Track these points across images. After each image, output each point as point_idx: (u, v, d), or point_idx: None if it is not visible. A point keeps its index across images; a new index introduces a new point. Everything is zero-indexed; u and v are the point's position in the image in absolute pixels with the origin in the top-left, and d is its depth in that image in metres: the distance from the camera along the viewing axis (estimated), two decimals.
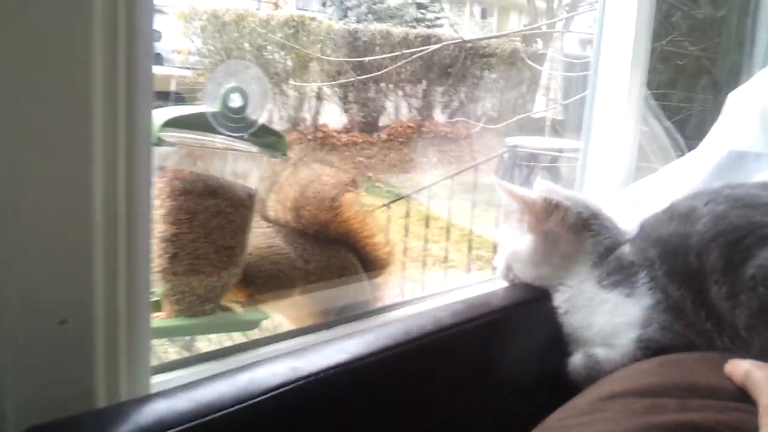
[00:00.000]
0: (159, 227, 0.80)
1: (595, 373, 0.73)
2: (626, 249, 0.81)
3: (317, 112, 5.83)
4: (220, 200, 0.82)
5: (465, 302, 0.76)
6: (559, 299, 0.83)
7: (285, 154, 0.87)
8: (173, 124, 0.77)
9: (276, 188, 1.05)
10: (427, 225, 3.73)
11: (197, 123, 0.79)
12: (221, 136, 0.81)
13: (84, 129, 0.59)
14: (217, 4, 5.19)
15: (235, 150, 0.84)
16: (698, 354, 0.65)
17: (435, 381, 0.66)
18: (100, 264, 0.61)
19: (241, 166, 0.86)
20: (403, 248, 3.78)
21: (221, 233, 0.83)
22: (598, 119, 1.28)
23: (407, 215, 3.73)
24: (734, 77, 1.80)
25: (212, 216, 0.81)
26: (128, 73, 0.62)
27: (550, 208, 0.86)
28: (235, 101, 0.79)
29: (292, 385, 0.51)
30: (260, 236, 0.99)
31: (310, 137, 5.84)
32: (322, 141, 5.87)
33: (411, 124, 6.32)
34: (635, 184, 1.22)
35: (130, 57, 0.62)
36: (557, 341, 0.78)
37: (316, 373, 0.53)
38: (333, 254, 1.05)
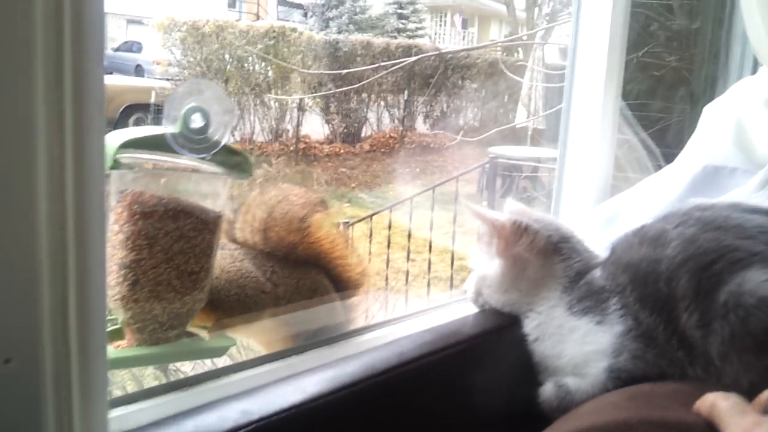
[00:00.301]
0: (118, 253, 0.77)
1: (566, 404, 0.71)
2: (597, 274, 0.79)
3: (299, 123, 5.81)
4: (182, 224, 0.78)
5: (433, 331, 0.73)
6: (529, 326, 0.81)
7: (250, 175, 0.84)
8: (131, 145, 0.74)
9: (244, 209, 1.02)
10: (409, 237, 3.72)
11: (157, 144, 0.76)
12: (184, 158, 0.79)
13: (25, 150, 0.55)
14: (197, 15, 5.16)
15: (199, 171, 0.81)
16: (670, 385, 0.63)
17: (401, 417, 0.63)
18: (47, 297, 0.58)
19: (207, 188, 0.83)
20: (386, 260, 3.76)
21: (184, 258, 0.79)
22: (574, 130, 1.27)
23: (390, 227, 3.72)
24: (710, 88, 1.80)
25: (174, 240, 0.78)
26: (76, 85, 0.58)
27: (519, 232, 0.84)
28: (197, 121, 0.76)
29: (242, 431, 0.48)
30: (228, 258, 0.96)
31: (292, 148, 5.82)
32: (304, 152, 5.85)
33: (393, 135, 6.32)
34: (612, 199, 1.21)
35: (77, 68, 0.58)
36: (529, 370, 0.76)
37: (269, 417, 0.50)
38: (302, 276, 1.02)
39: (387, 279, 3.73)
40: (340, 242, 1.06)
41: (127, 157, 0.75)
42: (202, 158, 0.79)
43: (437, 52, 5.38)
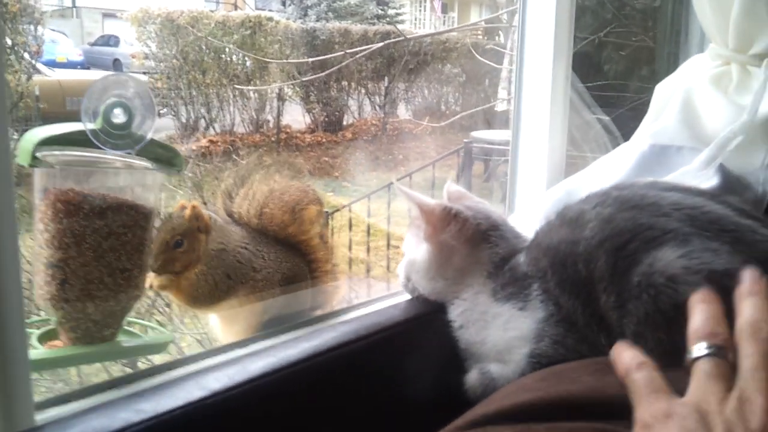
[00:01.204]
0: (45, 252, 0.76)
1: (489, 390, 0.70)
2: (521, 259, 0.78)
3: (279, 114, 5.77)
4: (110, 220, 0.77)
5: (356, 320, 0.73)
6: (454, 313, 0.80)
7: (181, 169, 0.83)
8: (50, 142, 0.73)
9: (246, 187, 1.11)
10: (388, 223, 3.71)
11: (78, 140, 0.74)
12: (110, 154, 0.77)
13: None
14: (170, 6, 5.09)
15: (128, 167, 0.80)
16: (583, 361, 0.63)
17: (315, 409, 0.62)
18: None
19: (136, 184, 0.82)
20: (366, 248, 3.75)
21: (115, 255, 0.78)
22: (526, 113, 1.26)
23: (368, 215, 3.71)
24: (672, 66, 1.80)
25: (103, 238, 0.77)
26: None
27: (448, 218, 0.82)
28: (119, 117, 0.75)
29: (132, 430, 0.48)
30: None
31: (273, 139, 5.78)
32: (286, 142, 5.82)
33: (375, 122, 6.29)
34: (564, 180, 1.21)
35: None
36: (455, 357, 0.75)
37: (161, 415, 0.49)
38: (285, 259, 1.10)
39: (368, 267, 3.73)
40: (325, 244, 1.16)
41: (47, 154, 0.74)
42: (128, 153, 0.78)
43: (403, 38, 5.33)
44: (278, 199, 1.09)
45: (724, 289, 0.56)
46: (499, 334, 0.74)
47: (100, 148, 0.75)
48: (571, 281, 0.70)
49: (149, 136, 0.77)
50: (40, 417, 0.68)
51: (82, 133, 0.74)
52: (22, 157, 0.72)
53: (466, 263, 0.81)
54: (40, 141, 0.71)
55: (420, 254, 0.84)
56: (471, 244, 0.81)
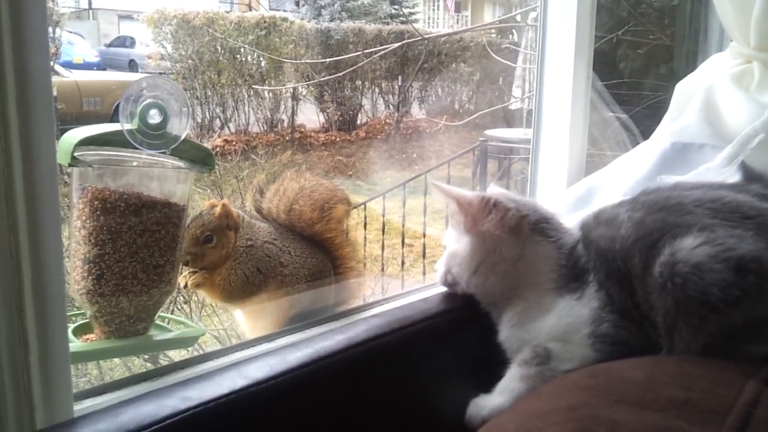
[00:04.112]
0: (82, 248, 0.78)
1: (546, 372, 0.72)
2: (580, 251, 0.79)
3: (293, 113, 5.79)
4: (145, 218, 0.80)
5: (389, 313, 0.74)
6: (511, 312, 0.79)
7: (213, 168, 0.85)
8: (89, 142, 0.75)
9: (277, 184, 1.14)
10: (403, 223, 3.72)
11: (115, 141, 0.77)
12: (146, 153, 0.79)
13: None
14: (186, 8, 5.13)
15: (161, 166, 0.82)
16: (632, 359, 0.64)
17: (350, 400, 0.64)
18: None
19: (170, 182, 0.84)
20: (381, 246, 3.77)
21: (149, 251, 0.81)
22: (547, 111, 1.27)
23: (384, 214, 3.72)
24: (691, 65, 1.79)
25: (137, 235, 0.79)
26: (19, 82, 0.59)
27: (488, 208, 0.82)
28: (154, 117, 0.77)
29: (180, 417, 0.50)
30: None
31: (287, 138, 5.81)
32: (300, 141, 5.84)
33: (389, 121, 6.30)
34: (584, 179, 1.22)
35: (20, 67, 0.58)
36: (487, 350, 0.76)
37: (207, 402, 0.51)
38: (311, 255, 1.12)
39: (384, 265, 3.74)
40: (351, 242, 1.18)
41: (86, 154, 0.76)
42: (163, 153, 0.80)
43: (420, 38, 5.33)
44: (308, 197, 1.12)
45: (751, 273, 0.58)
46: (554, 321, 0.75)
47: (137, 148, 0.77)
48: (616, 274, 0.72)
49: (183, 135, 0.79)
50: (78, 407, 0.70)
51: (119, 133, 0.76)
52: (61, 157, 0.74)
53: (523, 256, 0.80)
54: (80, 141, 0.74)
55: (462, 246, 0.84)
56: (516, 234, 0.81)
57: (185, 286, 0.98)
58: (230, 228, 1.01)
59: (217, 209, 0.99)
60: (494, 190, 0.91)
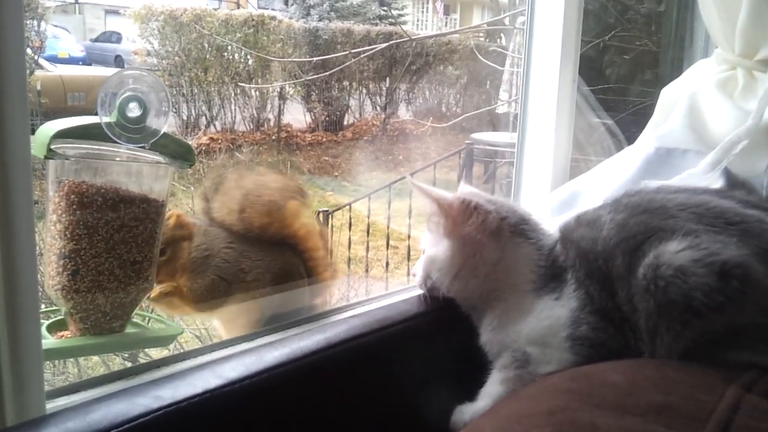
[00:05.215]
0: (57, 243, 0.77)
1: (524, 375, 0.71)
2: (558, 251, 0.78)
3: (280, 112, 5.77)
4: (122, 213, 0.78)
5: (369, 314, 0.73)
6: (491, 316, 0.78)
7: (193, 164, 0.84)
8: (66, 135, 0.74)
9: (223, 190, 1.07)
10: (388, 224, 3.71)
11: (94, 134, 0.75)
12: (125, 147, 0.78)
13: None
14: (174, 4, 5.09)
15: (140, 160, 0.81)
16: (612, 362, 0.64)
17: (328, 400, 0.63)
18: None
19: (149, 177, 0.83)
20: (366, 247, 3.76)
21: (126, 247, 0.79)
22: (532, 115, 1.27)
23: (368, 215, 3.72)
24: (676, 71, 1.81)
25: (115, 230, 0.78)
26: None
27: (468, 211, 0.81)
28: (134, 111, 0.76)
29: (151, 416, 0.49)
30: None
31: (273, 137, 5.79)
32: (286, 141, 5.82)
33: (375, 123, 6.29)
34: (568, 182, 1.22)
35: None
36: (466, 353, 0.75)
37: (180, 401, 0.50)
38: (273, 258, 1.06)
39: (367, 266, 3.73)
40: (315, 231, 1.10)
41: (62, 147, 0.74)
42: (142, 147, 0.78)
43: (407, 39, 5.34)
44: (255, 202, 1.04)
45: (735, 279, 0.58)
46: (532, 324, 0.74)
47: (115, 142, 0.76)
48: (597, 274, 0.72)
49: (163, 130, 0.78)
50: (51, 405, 0.69)
51: (97, 126, 0.74)
52: (37, 149, 0.72)
53: (503, 259, 0.80)
54: (56, 133, 0.72)
55: (441, 251, 0.83)
56: (496, 237, 0.80)
57: (148, 297, 0.93)
58: (185, 239, 0.98)
59: (171, 221, 0.96)
60: (465, 189, 0.90)
